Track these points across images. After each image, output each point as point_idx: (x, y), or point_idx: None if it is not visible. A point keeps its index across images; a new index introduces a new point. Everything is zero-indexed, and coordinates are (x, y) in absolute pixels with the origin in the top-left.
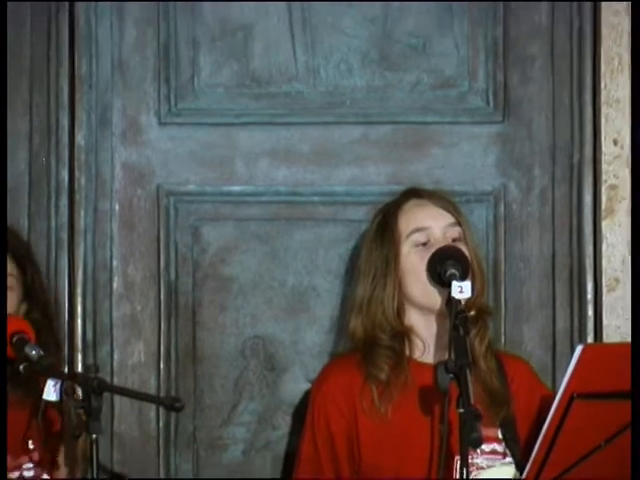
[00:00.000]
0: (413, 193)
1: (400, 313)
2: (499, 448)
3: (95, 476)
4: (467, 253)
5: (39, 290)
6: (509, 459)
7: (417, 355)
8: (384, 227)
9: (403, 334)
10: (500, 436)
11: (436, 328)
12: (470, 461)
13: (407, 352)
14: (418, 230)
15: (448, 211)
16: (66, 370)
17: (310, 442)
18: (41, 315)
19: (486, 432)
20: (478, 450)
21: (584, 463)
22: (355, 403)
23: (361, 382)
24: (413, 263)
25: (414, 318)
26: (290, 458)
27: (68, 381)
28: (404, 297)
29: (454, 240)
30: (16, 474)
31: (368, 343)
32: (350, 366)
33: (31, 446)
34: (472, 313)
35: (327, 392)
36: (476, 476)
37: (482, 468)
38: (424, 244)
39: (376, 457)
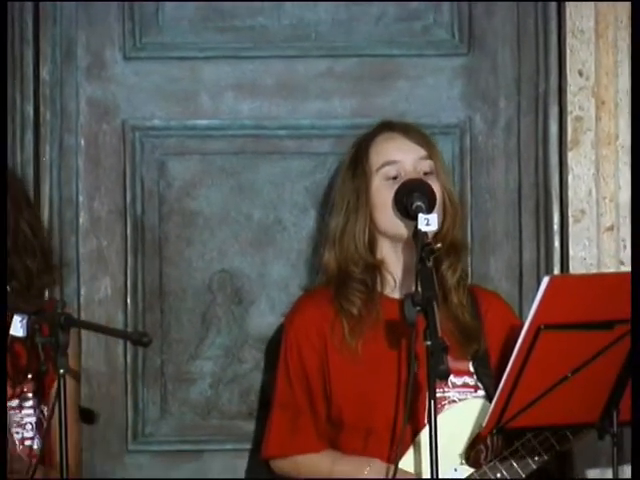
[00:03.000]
0: (386, 126)
1: (372, 246)
2: (470, 381)
3: (63, 411)
4: (438, 187)
5: (10, 218)
6: (481, 392)
7: (388, 291)
8: (356, 160)
9: (375, 268)
10: (472, 369)
11: (408, 262)
12: (441, 394)
13: (379, 288)
14: (388, 163)
15: (420, 144)
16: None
17: (284, 376)
18: (12, 243)
19: (457, 365)
20: (449, 383)
21: (552, 394)
22: (326, 338)
23: (332, 317)
24: (383, 197)
25: (386, 251)
26: (258, 392)
27: (35, 316)
28: (376, 230)
29: (425, 174)
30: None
31: (341, 277)
32: (322, 300)
33: (29, 376)
34: (439, 246)
35: (299, 327)
36: (447, 409)
37: (454, 401)
38: (394, 178)
39: (346, 392)
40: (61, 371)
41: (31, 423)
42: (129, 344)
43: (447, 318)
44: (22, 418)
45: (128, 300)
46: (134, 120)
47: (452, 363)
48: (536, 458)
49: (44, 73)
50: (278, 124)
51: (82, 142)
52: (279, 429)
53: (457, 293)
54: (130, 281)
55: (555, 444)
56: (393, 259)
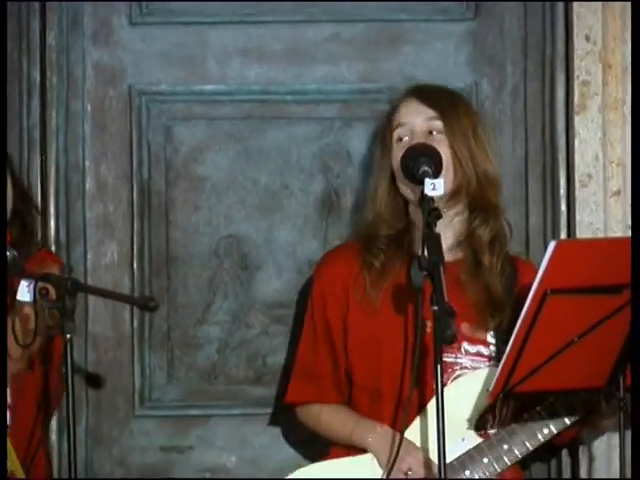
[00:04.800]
0: (408, 91)
1: (399, 208)
2: (485, 351)
3: (70, 376)
4: (446, 146)
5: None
6: (494, 362)
7: (416, 247)
8: (384, 125)
9: (403, 229)
10: (490, 339)
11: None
12: (453, 360)
13: (408, 245)
14: (399, 125)
15: (430, 106)
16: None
17: (310, 325)
18: (27, 205)
19: (474, 333)
20: (462, 350)
21: (559, 359)
22: (349, 291)
23: (357, 270)
24: (396, 160)
25: (412, 213)
26: (265, 357)
27: (42, 281)
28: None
29: (431, 132)
30: None
31: (370, 233)
32: (350, 254)
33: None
34: (444, 210)
35: (325, 279)
36: (457, 379)
37: (466, 368)
38: (403, 139)
39: (360, 346)
40: (68, 336)
41: None
42: (136, 309)
43: (477, 282)
44: None
45: (135, 265)
46: (141, 85)
47: (469, 330)
48: (545, 431)
49: (50, 39)
50: (285, 89)
51: (88, 107)
52: (299, 376)
53: (489, 255)
54: (137, 246)
55: (566, 420)
56: (419, 219)
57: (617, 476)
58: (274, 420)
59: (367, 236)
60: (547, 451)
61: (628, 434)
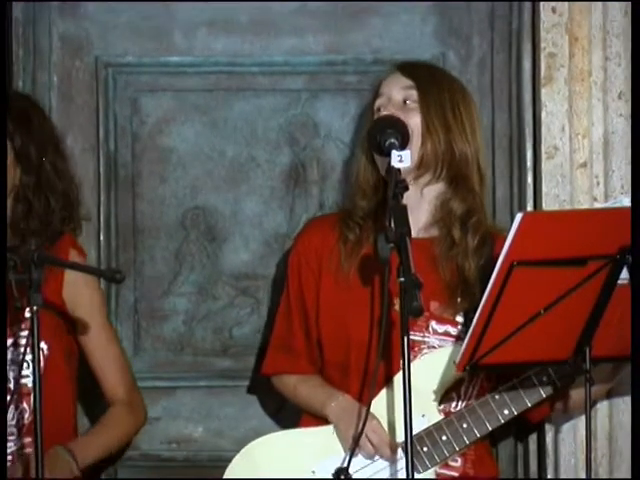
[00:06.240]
0: (395, 64)
1: (377, 180)
2: (453, 331)
3: (37, 347)
4: (418, 116)
5: (32, 155)
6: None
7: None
8: (370, 100)
9: (381, 201)
10: (459, 319)
11: (410, 200)
12: (421, 339)
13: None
14: (379, 96)
15: (408, 76)
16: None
17: (286, 296)
18: (34, 179)
19: (443, 313)
20: (430, 329)
21: (525, 331)
22: (322, 262)
23: (333, 242)
24: None
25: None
26: (231, 328)
27: (8, 253)
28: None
29: (405, 100)
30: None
31: (350, 206)
32: (327, 225)
33: (28, 314)
34: (411, 182)
35: (301, 250)
36: (423, 356)
37: (433, 347)
38: (381, 109)
39: (329, 319)
40: (34, 308)
41: (27, 361)
42: (102, 281)
43: (450, 261)
44: (18, 356)
45: (101, 237)
46: (107, 57)
47: (439, 309)
48: (505, 412)
49: (17, 11)
50: (251, 61)
51: (55, 79)
52: (274, 347)
53: (460, 230)
54: (103, 218)
55: (527, 402)
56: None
57: (583, 446)
58: (250, 389)
59: (347, 208)
60: (517, 430)
61: (594, 406)
